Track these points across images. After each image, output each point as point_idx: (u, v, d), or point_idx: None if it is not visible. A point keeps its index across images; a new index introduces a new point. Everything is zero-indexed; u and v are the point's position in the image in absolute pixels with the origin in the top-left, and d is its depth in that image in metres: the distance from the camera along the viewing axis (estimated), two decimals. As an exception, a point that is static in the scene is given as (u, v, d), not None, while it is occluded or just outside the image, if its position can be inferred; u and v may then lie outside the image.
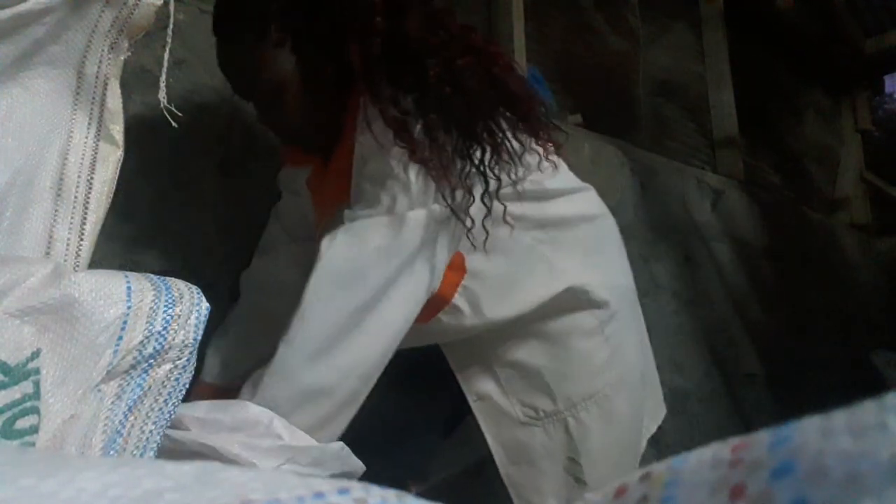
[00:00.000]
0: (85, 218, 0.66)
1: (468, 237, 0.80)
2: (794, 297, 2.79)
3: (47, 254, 0.64)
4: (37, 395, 0.53)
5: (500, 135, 0.81)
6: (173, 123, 0.71)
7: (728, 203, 2.56)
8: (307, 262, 0.79)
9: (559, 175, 0.92)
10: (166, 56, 0.68)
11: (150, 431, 0.59)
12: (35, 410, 0.52)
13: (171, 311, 0.61)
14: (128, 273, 0.63)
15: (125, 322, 0.58)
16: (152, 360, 0.60)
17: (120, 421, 0.57)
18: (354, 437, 0.76)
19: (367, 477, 0.76)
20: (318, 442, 0.72)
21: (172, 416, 0.62)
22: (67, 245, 0.65)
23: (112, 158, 0.68)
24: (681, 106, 2.73)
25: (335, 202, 0.84)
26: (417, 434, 1.07)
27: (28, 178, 0.63)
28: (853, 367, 2.92)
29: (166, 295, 0.62)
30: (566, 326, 0.89)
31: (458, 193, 0.78)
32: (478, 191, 0.79)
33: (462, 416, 0.96)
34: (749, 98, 2.95)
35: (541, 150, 0.89)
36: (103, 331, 0.57)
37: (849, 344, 3.03)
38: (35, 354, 0.54)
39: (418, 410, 1.06)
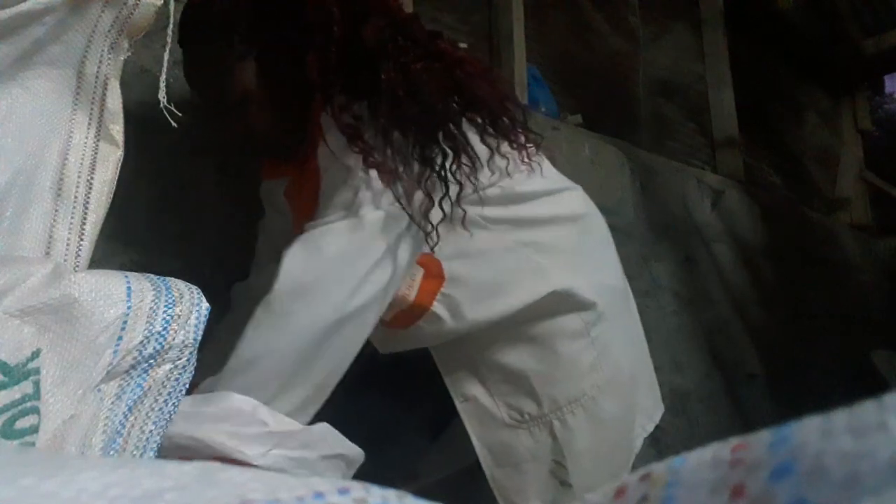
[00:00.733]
0: (85, 218, 0.66)
1: (427, 241, 0.80)
2: (794, 297, 2.79)
3: (47, 254, 0.63)
4: (37, 395, 0.53)
5: (462, 139, 0.81)
6: (173, 123, 0.71)
7: (728, 203, 2.56)
8: None
9: (541, 176, 0.92)
10: (166, 56, 0.68)
11: (150, 431, 0.59)
12: (35, 410, 0.52)
13: (171, 311, 0.61)
14: (128, 273, 0.63)
15: (125, 322, 0.58)
16: (152, 361, 0.60)
17: (120, 421, 0.57)
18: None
19: (355, 477, 0.76)
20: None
21: (173, 416, 0.62)
22: (67, 245, 0.65)
23: (112, 158, 0.68)
24: (681, 106, 2.73)
25: (308, 216, 0.84)
26: (404, 435, 1.07)
27: (28, 178, 0.63)
28: (853, 367, 2.92)
29: (166, 295, 0.62)
30: (551, 329, 0.88)
31: (416, 197, 0.78)
32: (437, 195, 0.79)
33: (449, 418, 0.96)
34: (749, 98, 2.95)
35: (516, 153, 0.88)
36: (103, 331, 0.57)
37: (849, 344, 3.03)
38: (35, 354, 0.54)
39: (405, 412, 1.06)
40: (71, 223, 0.65)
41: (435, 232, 0.80)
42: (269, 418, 0.70)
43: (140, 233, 1.04)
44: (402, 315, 0.85)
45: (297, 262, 0.76)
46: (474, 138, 0.84)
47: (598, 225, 1.01)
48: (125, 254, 1.02)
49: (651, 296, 2.05)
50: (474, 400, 0.90)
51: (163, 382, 0.61)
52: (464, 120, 0.84)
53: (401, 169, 0.77)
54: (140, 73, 1.04)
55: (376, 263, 0.77)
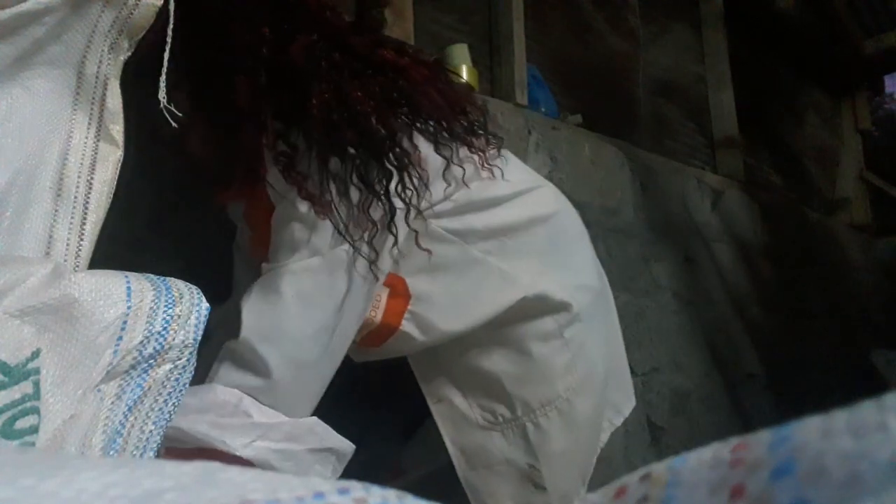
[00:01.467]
0: (85, 218, 0.66)
1: (372, 270, 0.77)
2: (794, 297, 2.80)
3: (47, 254, 0.63)
4: (37, 395, 0.53)
5: (406, 158, 0.78)
6: (173, 123, 0.70)
7: (728, 203, 2.56)
8: None
9: (504, 179, 0.88)
10: (166, 56, 0.68)
11: (150, 431, 0.59)
12: (35, 410, 0.52)
13: (170, 311, 0.61)
14: (128, 273, 0.63)
15: (125, 322, 0.58)
16: (152, 361, 0.60)
17: (120, 421, 0.57)
18: None
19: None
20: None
21: (173, 416, 0.62)
22: (67, 245, 0.65)
23: (112, 158, 0.68)
24: (681, 106, 2.73)
25: (264, 244, 0.82)
26: (380, 433, 1.06)
27: (28, 178, 0.63)
28: (853, 367, 2.92)
29: (166, 295, 0.62)
30: (525, 332, 0.87)
31: (359, 225, 0.75)
32: (384, 219, 0.76)
33: (422, 418, 0.95)
34: (749, 98, 2.95)
35: (476, 158, 0.85)
36: (103, 331, 0.57)
37: (849, 344, 3.03)
38: (35, 354, 0.54)
39: (380, 409, 1.06)
40: (71, 223, 0.65)
41: (384, 258, 0.77)
42: (254, 410, 0.70)
43: (140, 233, 1.04)
44: (372, 335, 0.84)
45: (256, 311, 0.74)
46: (428, 149, 0.81)
47: (571, 222, 0.98)
48: (125, 254, 1.02)
49: (651, 296, 2.05)
50: (448, 401, 0.90)
51: (163, 382, 0.61)
52: (415, 131, 0.81)
53: (338, 199, 0.74)
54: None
55: (338, 302, 0.75)
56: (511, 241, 0.87)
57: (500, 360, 0.87)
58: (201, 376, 0.72)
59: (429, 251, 0.81)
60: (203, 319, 0.63)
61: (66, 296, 0.56)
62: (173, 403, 0.61)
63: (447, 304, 0.83)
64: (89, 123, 0.67)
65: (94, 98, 0.67)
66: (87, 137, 0.67)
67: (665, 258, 2.16)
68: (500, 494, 0.89)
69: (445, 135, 0.83)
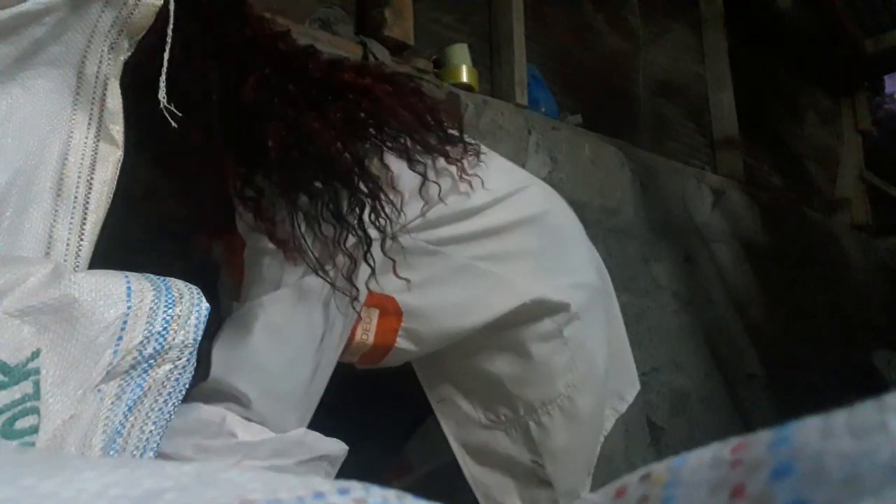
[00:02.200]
0: (85, 218, 0.66)
1: (353, 307, 0.75)
2: (794, 297, 2.80)
3: (47, 254, 0.63)
4: (37, 395, 0.53)
5: (376, 183, 0.75)
6: (173, 123, 0.70)
7: (728, 203, 2.56)
8: None
9: (484, 189, 0.86)
10: (166, 56, 0.68)
11: (150, 431, 0.59)
12: (35, 410, 0.52)
13: (170, 311, 0.61)
14: (128, 273, 0.63)
15: (125, 322, 0.58)
16: (152, 361, 0.60)
17: (120, 421, 0.57)
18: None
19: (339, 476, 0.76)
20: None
21: (172, 417, 0.62)
22: (67, 245, 0.65)
23: (112, 158, 0.68)
24: (681, 106, 2.73)
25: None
26: (383, 432, 1.06)
27: (28, 178, 0.63)
28: (853, 367, 2.92)
29: (166, 295, 0.62)
30: (524, 334, 0.86)
31: (336, 261, 0.74)
32: (359, 251, 0.75)
33: (426, 414, 0.95)
34: (749, 98, 2.95)
35: (454, 169, 0.83)
36: (103, 331, 0.57)
37: (849, 344, 3.03)
38: (35, 354, 0.54)
39: (381, 408, 1.05)
40: (71, 223, 0.65)
41: (362, 291, 0.76)
42: (239, 429, 0.69)
43: (140, 233, 1.04)
44: (367, 356, 0.84)
45: (226, 348, 0.73)
46: (401, 167, 0.79)
47: (563, 219, 0.96)
48: (125, 254, 1.01)
49: (651, 296, 2.05)
50: (450, 401, 0.90)
51: (163, 382, 0.61)
52: (385, 151, 0.79)
53: (311, 240, 0.72)
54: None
55: (313, 331, 0.74)
56: (496, 243, 0.86)
57: (501, 363, 0.87)
58: (202, 376, 0.72)
59: (407, 280, 0.80)
60: (203, 319, 0.63)
61: (66, 296, 0.56)
62: (173, 403, 0.61)
63: (440, 315, 0.82)
64: (89, 123, 0.67)
65: (94, 98, 0.67)
66: (87, 137, 0.67)
67: (665, 258, 2.16)
68: (505, 490, 0.89)
69: (419, 148, 0.81)
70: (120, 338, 0.58)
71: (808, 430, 0.20)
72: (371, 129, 0.78)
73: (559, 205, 0.97)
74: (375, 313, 0.81)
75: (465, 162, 0.84)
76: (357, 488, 0.24)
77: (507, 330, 0.86)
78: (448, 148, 0.83)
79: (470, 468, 0.90)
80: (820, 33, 3.45)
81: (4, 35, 0.60)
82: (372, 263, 0.75)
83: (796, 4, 3.20)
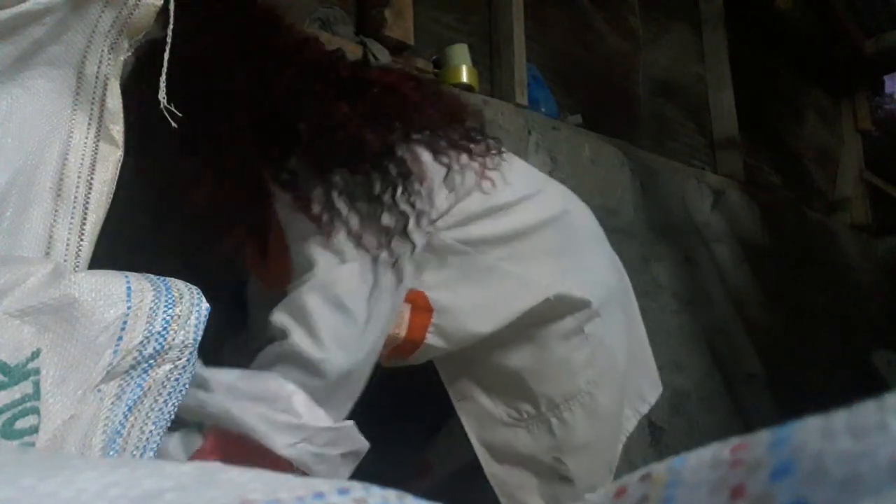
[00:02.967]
0: (85, 218, 0.66)
1: (394, 272, 0.77)
2: (794, 297, 2.79)
3: (47, 254, 0.63)
4: (37, 395, 0.53)
5: (406, 166, 0.78)
6: (173, 123, 0.70)
7: (728, 203, 2.56)
8: None
9: (509, 185, 0.88)
10: (166, 56, 0.68)
11: (150, 431, 0.59)
12: (35, 410, 0.52)
13: (170, 311, 0.61)
14: (128, 273, 0.63)
15: (125, 322, 0.58)
16: (152, 361, 0.60)
17: (120, 421, 0.57)
18: None
19: (361, 476, 0.76)
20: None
21: (172, 417, 0.62)
22: (67, 245, 0.65)
23: (112, 158, 0.68)
24: (681, 106, 2.73)
25: (283, 273, 0.82)
26: (406, 432, 1.07)
27: (28, 178, 0.63)
28: (853, 368, 2.92)
29: (166, 295, 0.62)
30: (547, 331, 0.88)
31: (373, 236, 0.76)
32: (398, 226, 0.77)
33: (448, 414, 0.96)
34: (749, 98, 2.95)
35: (476, 165, 0.85)
36: (103, 331, 0.57)
37: (849, 344, 3.03)
38: (35, 354, 0.54)
39: (404, 408, 1.06)
40: (71, 223, 0.65)
41: (405, 264, 0.78)
42: (304, 409, 0.71)
43: (140, 233, 1.04)
44: (397, 350, 0.85)
45: (294, 319, 0.74)
46: (428, 157, 0.82)
47: (582, 219, 0.99)
48: (125, 254, 1.01)
49: (651, 296, 2.05)
50: (472, 399, 0.91)
51: (163, 382, 0.61)
52: (412, 143, 0.82)
53: (347, 214, 0.75)
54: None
55: (368, 300, 0.76)
56: (522, 245, 0.88)
57: (523, 359, 0.88)
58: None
59: (449, 259, 0.82)
60: (203, 319, 0.63)
61: (66, 296, 0.56)
62: (173, 403, 0.61)
63: (469, 313, 0.84)
64: (89, 123, 0.67)
65: (94, 98, 0.67)
66: (87, 137, 0.67)
67: (665, 258, 2.16)
68: (527, 488, 0.90)
69: (443, 143, 0.83)
70: (120, 338, 0.58)
71: (808, 430, 0.20)
72: (397, 124, 0.81)
73: (578, 206, 1.00)
74: (408, 308, 0.83)
75: (487, 160, 0.87)
76: (357, 488, 0.24)
77: (531, 328, 0.88)
78: (471, 146, 0.86)
79: (491, 467, 0.91)
80: (820, 33, 3.45)
81: (4, 35, 0.60)
82: (412, 238, 0.78)
83: (796, 4, 3.20)
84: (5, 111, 0.62)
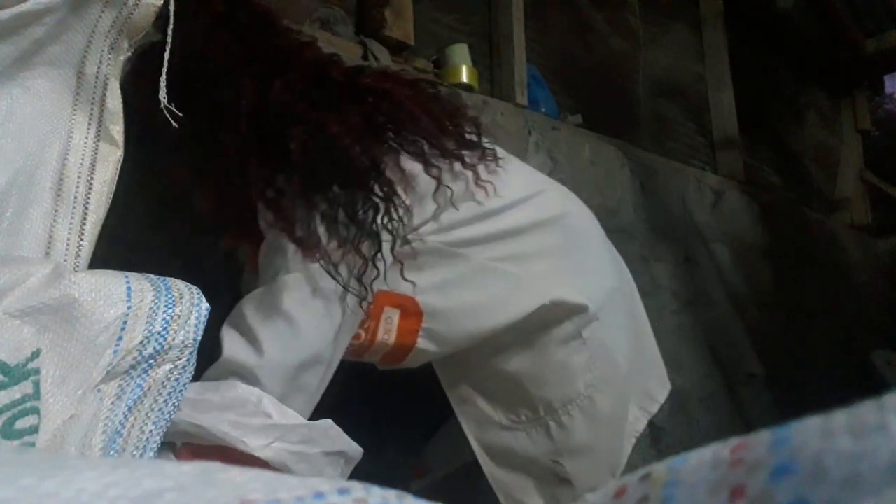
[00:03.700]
0: (85, 218, 0.66)
1: (361, 307, 0.77)
2: (794, 298, 2.79)
3: (47, 254, 0.63)
4: (37, 395, 0.53)
5: (391, 187, 0.77)
6: (173, 123, 0.70)
7: (728, 203, 2.56)
8: None
9: (504, 190, 0.87)
10: (166, 56, 0.68)
11: (150, 431, 0.59)
12: (35, 410, 0.52)
13: (170, 311, 0.61)
14: (128, 273, 0.63)
15: (125, 322, 0.58)
16: (152, 361, 0.60)
17: (120, 421, 0.57)
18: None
19: (357, 477, 0.76)
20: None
21: (172, 416, 0.62)
22: (67, 245, 0.65)
23: (112, 158, 0.68)
24: (681, 106, 2.73)
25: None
26: (402, 434, 1.07)
27: (28, 178, 0.63)
28: (853, 367, 2.92)
29: (166, 295, 0.62)
30: (544, 336, 0.88)
31: (348, 261, 0.75)
32: (370, 252, 0.77)
33: (446, 416, 0.96)
34: (749, 98, 2.95)
35: (470, 174, 0.84)
36: (103, 331, 0.57)
37: (849, 344, 3.03)
38: (35, 354, 0.54)
39: (403, 410, 1.06)
40: (71, 223, 0.65)
41: (370, 292, 0.77)
42: (274, 410, 0.71)
43: (140, 233, 1.04)
44: (388, 356, 0.85)
45: (223, 337, 0.75)
46: (417, 169, 0.81)
47: (582, 221, 0.98)
48: (125, 254, 1.02)
49: (651, 296, 2.05)
50: (471, 403, 0.91)
51: (163, 382, 0.61)
52: (403, 153, 0.81)
53: (326, 240, 0.75)
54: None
55: (327, 322, 0.75)
56: (517, 245, 0.87)
57: (521, 364, 0.88)
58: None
59: (413, 283, 0.81)
60: (203, 319, 0.63)
61: (66, 296, 0.56)
62: (173, 403, 0.61)
63: (460, 316, 0.84)
64: (89, 123, 0.67)
65: (94, 98, 0.67)
66: (87, 137, 0.67)
67: (665, 258, 2.16)
68: (526, 489, 0.91)
69: (436, 151, 0.82)
70: (120, 338, 0.58)
71: (808, 430, 0.20)
72: (389, 132, 0.81)
73: (578, 207, 0.99)
74: (397, 314, 0.82)
75: (481, 167, 0.86)
76: (357, 488, 0.24)
77: (529, 333, 0.87)
78: (465, 153, 0.85)
79: (491, 469, 0.91)
80: (820, 33, 3.45)
81: (4, 35, 0.60)
82: (380, 265, 0.77)
83: (796, 4, 3.20)
84: (5, 111, 0.62)
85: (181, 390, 0.62)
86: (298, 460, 0.71)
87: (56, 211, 0.65)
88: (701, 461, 0.22)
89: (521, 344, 0.88)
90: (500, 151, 0.92)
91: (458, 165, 0.84)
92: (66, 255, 0.64)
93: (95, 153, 0.67)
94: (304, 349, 0.74)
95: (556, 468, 0.90)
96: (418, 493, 0.25)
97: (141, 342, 0.59)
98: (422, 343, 0.83)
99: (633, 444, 1.00)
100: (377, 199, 0.76)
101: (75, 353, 0.56)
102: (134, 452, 0.58)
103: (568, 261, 0.92)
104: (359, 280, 0.76)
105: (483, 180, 0.85)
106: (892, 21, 3.59)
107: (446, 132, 0.85)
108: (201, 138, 0.78)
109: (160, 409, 0.60)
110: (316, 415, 0.77)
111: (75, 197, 0.66)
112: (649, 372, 1.05)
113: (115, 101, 0.68)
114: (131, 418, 0.58)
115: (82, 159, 0.66)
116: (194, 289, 0.65)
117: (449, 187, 0.82)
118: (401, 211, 0.78)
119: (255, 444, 0.68)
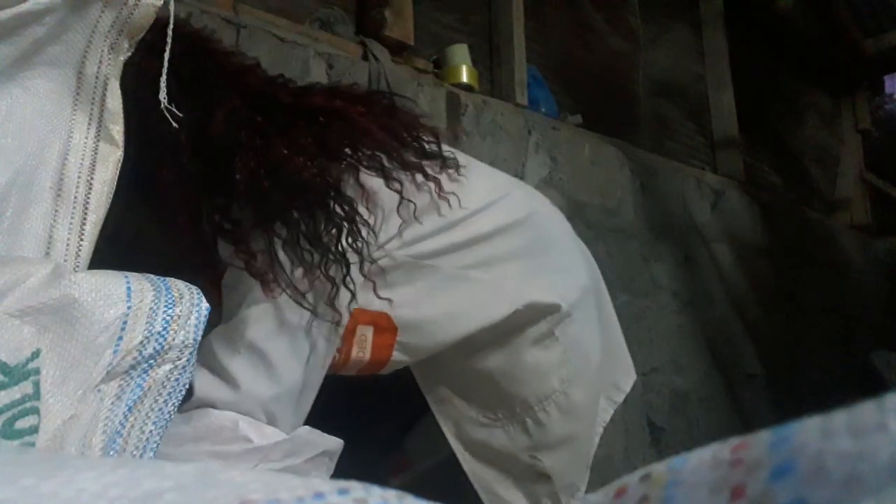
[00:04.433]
0: (85, 218, 0.66)
1: (336, 331, 0.76)
2: (794, 297, 2.80)
3: (47, 254, 0.63)
4: (37, 395, 0.53)
5: (351, 206, 0.75)
6: (173, 123, 0.70)
7: (728, 203, 2.56)
8: None
9: (468, 199, 0.86)
10: (166, 56, 0.68)
11: (150, 431, 0.59)
12: (35, 411, 0.52)
13: (170, 311, 0.61)
14: (128, 273, 0.63)
15: (125, 322, 0.58)
16: (152, 361, 0.60)
17: (120, 421, 0.57)
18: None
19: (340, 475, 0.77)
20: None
21: (172, 417, 0.61)
22: (67, 245, 0.65)
23: (112, 158, 0.68)
24: (681, 106, 2.73)
25: None
26: (382, 428, 1.07)
27: (28, 178, 0.63)
28: (853, 367, 2.92)
29: (166, 295, 0.62)
30: (520, 338, 0.88)
31: (315, 287, 0.74)
32: (340, 275, 0.75)
33: (422, 411, 0.96)
34: (749, 98, 2.95)
35: (432, 186, 0.83)
36: (103, 331, 0.57)
37: (849, 344, 3.03)
38: (35, 354, 0.54)
39: (381, 404, 1.06)
40: (71, 223, 0.65)
41: (344, 315, 0.76)
42: (252, 432, 0.69)
43: (140, 233, 1.04)
44: (364, 369, 0.85)
45: (197, 378, 0.72)
46: (378, 185, 0.79)
47: (550, 221, 0.97)
48: (125, 254, 1.01)
49: (651, 296, 2.05)
50: (448, 402, 0.91)
51: (163, 383, 0.61)
52: (361, 171, 0.79)
53: (290, 269, 0.73)
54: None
55: (292, 355, 0.74)
56: (485, 250, 0.86)
57: (496, 364, 0.88)
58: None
59: (389, 300, 0.80)
60: (203, 319, 0.63)
61: (66, 296, 0.56)
62: (173, 403, 0.61)
63: (434, 327, 0.83)
64: (89, 123, 0.67)
65: (94, 98, 0.67)
66: (87, 137, 0.67)
67: (665, 258, 2.16)
68: (505, 484, 0.91)
69: (396, 165, 0.81)
70: (120, 338, 0.58)
71: (808, 430, 0.20)
72: (345, 150, 0.78)
73: (544, 206, 0.98)
74: (370, 331, 0.81)
75: (443, 177, 0.85)
76: (357, 488, 0.24)
77: (504, 335, 0.87)
78: (426, 163, 0.83)
79: (469, 464, 0.92)
80: (820, 33, 3.45)
81: (4, 35, 0.60)
82: (352, 287, 0.75)
83: (796, 4, 3.20)
84: (5, 111, 0.62)
85: (181, 390, 0.62)
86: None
87: (56, 211, 0.65)
88: (701, 461, 0.22)
89: (496, 344, 0.88)
90: (461, 158, 0.91)
91: (419, 177, 0.82)
92: (66, 255, 0.64)
93: (95, 153, 0.67)
94: (278, 381, 0.73)
95: (533, 463, 0.90)
96: (400, 488, 0.25)
97: (141, 342, 0.59)
98: (397, 356, 0.83)
99: (600, 435, 1.00)
100: (339, 220, 0.74)
101: (75, 353, 0.56)
102: (134, 452, 0.58)
103: (538, 261, 0.91)
104: (331, 305, 0.75)
105: (446, 192, 0.84)
106: (892, 21, 3.59)
107: (405, 144, 0.84)
108: (146, 175, 0.74)
109: (160, 410, 0.60)
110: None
111: (75, 197, 0.66)
112: (617, 364, 1.06)
113: (115, 101, 0.68)
114: (131, 418, 0.58)
115: (82, 159, 0.66)
116: (194, 289, 0.65)
117: (412, 201, 0.81)
118: (364, 230, 0.76)
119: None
